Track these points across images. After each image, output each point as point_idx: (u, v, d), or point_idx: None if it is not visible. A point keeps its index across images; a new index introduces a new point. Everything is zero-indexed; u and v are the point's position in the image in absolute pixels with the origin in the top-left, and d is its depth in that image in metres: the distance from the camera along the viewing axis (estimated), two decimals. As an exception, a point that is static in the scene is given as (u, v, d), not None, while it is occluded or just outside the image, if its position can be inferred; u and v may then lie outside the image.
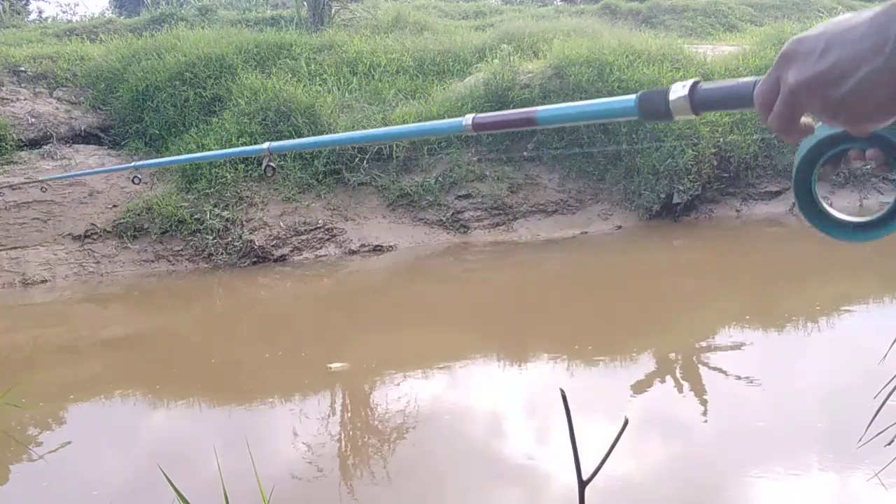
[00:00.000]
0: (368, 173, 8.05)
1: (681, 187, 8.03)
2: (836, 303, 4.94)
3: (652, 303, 5.54)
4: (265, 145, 1.65)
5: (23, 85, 8.69)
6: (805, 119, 0.56)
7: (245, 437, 3.22)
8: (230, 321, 5.85)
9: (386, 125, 8.25)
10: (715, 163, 8.29)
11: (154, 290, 6.72)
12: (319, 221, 7.63)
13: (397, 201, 7.98)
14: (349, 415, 3.73)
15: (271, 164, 1.69)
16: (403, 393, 3.85)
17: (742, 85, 0.63)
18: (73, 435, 3.70)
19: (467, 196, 8.15)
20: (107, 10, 20.00)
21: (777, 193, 8.56)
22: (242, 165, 7.81)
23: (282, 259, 7.30)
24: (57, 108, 8.57)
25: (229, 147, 7.87)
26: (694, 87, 0.67)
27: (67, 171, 7.71)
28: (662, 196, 8.04)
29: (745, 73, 9.10)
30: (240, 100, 8.34)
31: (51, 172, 7.65)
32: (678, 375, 3.94)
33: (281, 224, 7.51)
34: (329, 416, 3.71)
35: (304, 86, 8.63)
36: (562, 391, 0.89)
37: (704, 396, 3.62)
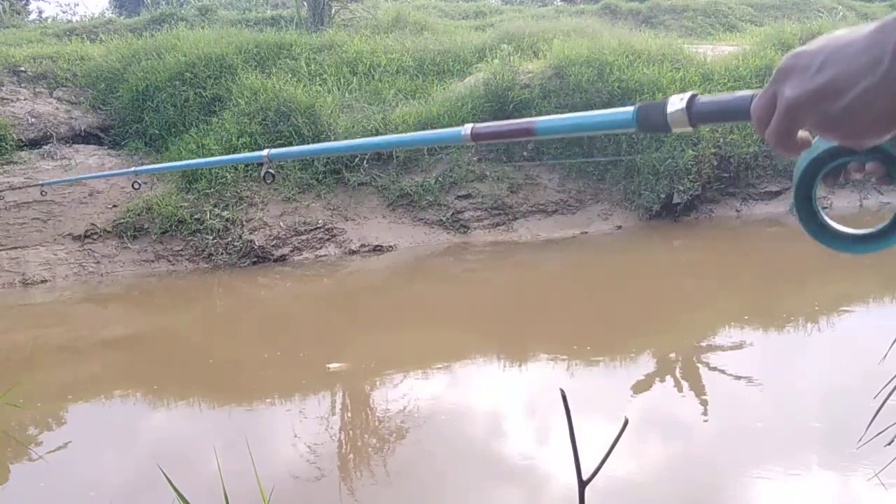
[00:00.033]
0: (368, 173, 8.05)
1: (681, 187, 8.03)
2: (836, 303, 4.94)
3: (652, 303, 5.54)
4: (264, 152, 1.64)
5: (23, 85, 8.69)
6: (802, 133, 0.56)
7: (245, 437, 3.22)
8: (230, 321, 5.85)
9: (386, 125, 8.25)
10: (715, 163, 8.29)
11: (154, 290, 6.72)
12: (319, 221, 7.63)
13: (397, 201, 7.98)
14: (349, 415, 3.73)
15: (270, 170, 1.68)
16: (403, 393, 3.85)
17: (739, 99, 0.63)
18: (73, 435, 3.70)
19: (467, 196, 8.15)
20: (107, 10, 20.01)
21: (777, 193, 8.56)
22: (242, 165, 7.81)
23: (282, 259, 7.30)
24: (57, 108, 8.57)
25: (229, 147, 7.88)
26: (692, 99, 0.68)
27: (67, 171, 7.72)
28: (662, 196, 8.04)
29: (745, 73, 9.10)
30: (240, 100, 8.34)
31: (51, 172, 7.65)
32: (678, 375, 3.94)
33: (281, 224, 7.51)
34: (329, 416, 3.71)
35: (304, 86, 8.63)
36: (562, 391, 0.89)
37: (704, 396, 3.62)
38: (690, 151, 8.01)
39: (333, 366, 4.23)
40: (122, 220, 7.36)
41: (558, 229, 7.96)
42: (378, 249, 7.52)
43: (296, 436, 3.37)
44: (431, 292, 6.38)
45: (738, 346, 4.35)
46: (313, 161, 7.94)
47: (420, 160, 8.23)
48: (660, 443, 3.12)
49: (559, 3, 17.96)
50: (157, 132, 8.42)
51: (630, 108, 0.75)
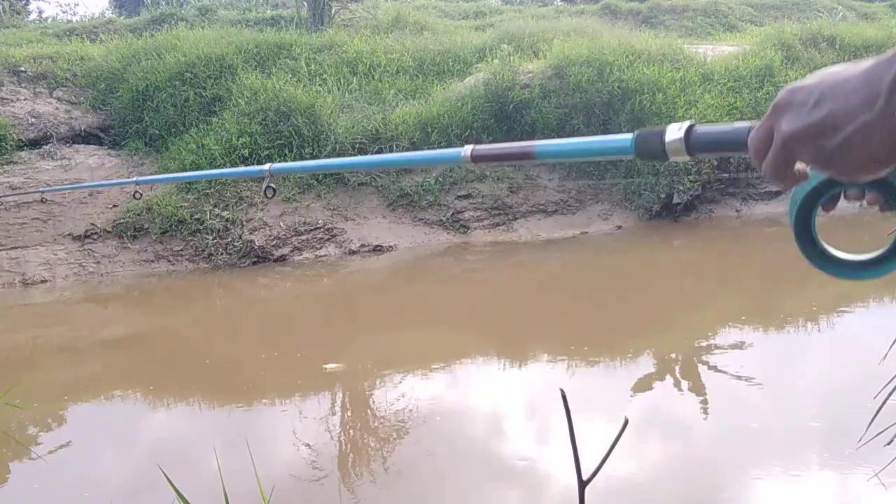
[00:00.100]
0: (368, 173, 8.05)
1: (681, 187, 8.03)
2: (836, 303, 4.94)
3: (652, 303, 5.54)
4: (266, 167, 1.63)
5: (23, 85, 8.69)
6: (799, 166, 0.56)
7: (245, 438, 3.22)
8: (230, 321, 5.85)
9: (386, 125, 8.25)
10: (715, 163, 8.29)
11: (154, 290, 6.72)
12: (319, 221, 7.63)
13: (397, 201, 7.98)
14: (349, 415, 3.73)
15: (272, 185, 1.67)
16: (403, 392, 3.85)
17: (737, 130, 0.64)
18: (73, 435, 3.70)
19: (467, 196, 8.15)
20: (107, 10, 20.01)
21: (777, 193, 8.56)
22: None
23: (282, 259, 7.30)
24: (57, 108, 8.57)
25: (229, 147, 7.88)
26: (690, 129, 0.68)
27: (67, 171, 7.72)
28: (662, 196, 8.05)
29: (745, 73, 9.11)
30: (240, 100, 8.33)
31: (51, 172, 7.66)
32: (678, 375, 3.94)
33: (281, 224, 7.51)
34: (329, 416, 3.71)
35: (304, 86, 8.62)
36: (562, 391, 0.89)
37: (704, 396, 3.62)
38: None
39: (330, 366, 4.23)
40: (122, 220, 7.35)
41: (558, 229, 7.96)
42: (378, 249, 7.52)
43: (296, 436, 3.37)
44: (431, 292, 6.38)
45: (738, 346, 4.35)
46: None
47: (420, 160, 8.23)
48: (660, 443, 3.12)
49: (559, 3, 17.96)
50: (157, 132, 8.41)
51: (628, 136, 0.76)
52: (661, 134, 0.70)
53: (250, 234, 7.34)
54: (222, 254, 7.23)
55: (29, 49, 9.49)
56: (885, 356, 1.93)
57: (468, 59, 9.86)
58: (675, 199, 8.06)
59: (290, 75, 8.95)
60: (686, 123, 0.69)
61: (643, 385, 3.77)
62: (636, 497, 2.68)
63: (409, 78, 9.40)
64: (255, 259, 7.25)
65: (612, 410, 3.46)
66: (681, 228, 7.98)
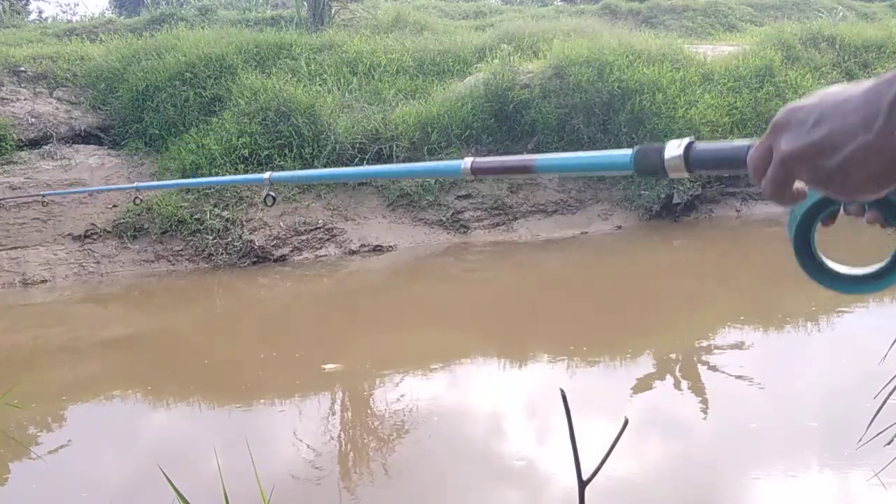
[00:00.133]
0: (368, 173, 8.05)
1: (681, 187, 8.03)
2: (836, 303, 4.94)
3: (652, 303, 5.54)
4: (266, 175, 1.63)
5: (23, 85, 8.69)
6: (798, 184, 0.57)
7: (245, 438, 3.22)
8: (230, 321, 5.85)
9: (386, 125, 8.25)
10: (715, 163, 8.29)
11: (154, 290, 6.72)
12: (319, 221, 7.64)
13: (397, 201, 7.98)
14: (349, 415, 3.73)
15: (272, 193, 1.67)
16: (404, 392, 3.85)
17: (736, 148, 0.64)
18: (73, 435, 3.70)
19: (467, 196, 8.15)
20: (107, 10, 20.01)
21: (777, 193, 8.55)
22: (242, 166, 7.81)
23: (282, 259, 7.30)
24: (57, 108, 8.57)
25: (229, 147, 7.88)
26: (689, 147, 0.68)
27: (67, 171, 7.72)
28: (662, 196, 8.05)
29: (745, 73, 9.11)
30: (240, 100, 8.33)
31: (51, 173, 7.66)
32: (678, 375, 3.94)
33: (281, 224, 7.51)
34: (329, 416, 3.71)
35: (304, 86, 8.62)
36: (562, 391, 0.89)
37: (704, 396, 3.62)
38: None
39: (329, 366, 4.23)
40: (122, 220, 7.35)
41: (558, 229, 7.96)
42: (378, 249, 7.52)
43: (296, 436, 3.37)
44: (431, 292, 6.38)
45: (738, 346, 4.35)
46: (313, 161, 7.94)
47: (420, 160, 8.23)
48: (660, 443, 3.12)
49: (559, 3, 17.96)
50: (157, 132, 8.41)
51: (628, 151, 0.76)
52: (661, 151, 0.70)
53: (250, 234, 7.34)
54: (222, 254, 7.23)
55: (29, 49, 9.49)
56: (885, 356, 1.93)
57: (468, 59, 9.86)
58: (675, 199, 8.06)
59: (290, 75, 8.95)
60: (685, 140, 0.69)
61: (643, 385, 3.77)
62: (636, 497, 2.68)
63: (409, 78, 9.40)
64: (255, 259, 7.25)
65: (612, 410, 3.46)
66: (681, 228, 7.98)
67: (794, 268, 0.68)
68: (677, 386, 3.81)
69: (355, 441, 3.38)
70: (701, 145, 0.68)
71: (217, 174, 7.70)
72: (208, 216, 7.36)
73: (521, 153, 8.59)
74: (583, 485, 0.85)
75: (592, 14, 13.40)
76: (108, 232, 7.32)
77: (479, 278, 6.72)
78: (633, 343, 4.49)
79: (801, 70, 9.43)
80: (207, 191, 7.59)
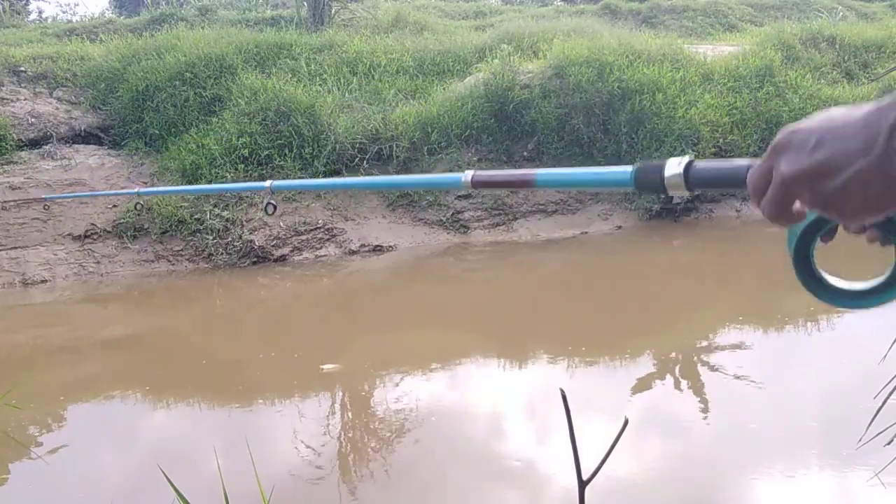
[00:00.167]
0: (368, 173, 8.05)
1: (681, 187, 8.02)
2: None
3: (652, 303, 5.54)
4: (267, 183, 1.63)
5: (23, 85, 8.69)
6: (797, 206, 0.57)
7: (245, 438, 3.22)
8: (230, 321, 5.85)
9: (386, 125, 8.25)
10: (715, 163, 8.29)
11: (154, 290, 6.72)
12: (319, 221, 7.63)
13: (397, 201, 7.98)
14: (349, 415, 3.73)
15: (272, 202, 1.67)
16: (404, 392, 3.85)
17: (736, 168, 0.64)
18: (73, 435, 3.70)
19: (467, 196, 8.15)
20: (107, 10, 20.00)
21: (777, 193, 8.55)
22: (242, 166, 7.81)
23: (282, 259, 7.30)
24: (57, 108, 8.57)
25: (229, 147, 7.88)
26: (689, 165, 0.69)
27: (67, 171, 7.72)
28: (662, 196, 8.04)
29: (745, 73, 9.10)
30: (240, 100, 8.33)
31: (51, 173, 7.65)
32: (678, 375, 3.94)
33: (281, 224, 7.51)
34: (329, 416, 3.71)
35: (304, 86, 8.62)
36: (562, 391, 0.89)
37: (704, 396, 3.62)
38: (690, 151, 8.01)
39: (327, 367, 4.23)
40: (122, 220, 7.35)
41: (558, 229, 7.96)
42: (378, 249, 7.52)
43: (295, 436, 3.37)
44: (431, 292, 6.39)
45: (738, 346, 4.35)
46: (313, 161, 7.94)
47: (420, 160, 8.23)
48: (660, 443, 3.12)
49: (559, 3, 17.96)
50: (157, 132, 8.41)
51: (629, 168, 0.76)
52: (661, 169, 0.70)
53: (250, 234, 7.34)
54: (222, 254, 7.23)
55: (29, 49, 9.49)
56: (885, 356, 1.93)
57: (468, 59, 9.86)
58: (675, 199, 8.06)
59: (290, 75, 8.95)
60: (686, 159, 0.69)
61: (643, 385, 3.77)
62: (636, 497, 2.68)
63: (409, 78, 9.39)
64: (255, 259, 7.25)
65: (612, 410, 3.46)
66: (681, 228, 7.98)
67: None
68: (677, 386, 3.81)
69: (355, 441, 3.38)
70: (701, 164, 0.68)
71: (217, 174, 7.70)
72: (208, 216, 7.36)
73: (521, 153, 8.60)
74: (583, 485, 0.85)
75: (592, 14, 13.40)
76: (108, 232, 7.32)
77: (479, 278, 6.72)
78: (633, 343, 4.49)
79: (801, 70, 9.43)
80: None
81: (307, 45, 9.84)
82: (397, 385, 4.01)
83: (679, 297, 5.68)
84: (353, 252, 7.46)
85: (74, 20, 15.97)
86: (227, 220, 7.40)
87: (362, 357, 4.52)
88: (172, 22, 11.93)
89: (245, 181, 7.78)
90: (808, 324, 4.56)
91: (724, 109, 8.60)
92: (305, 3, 12.19)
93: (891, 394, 1.78)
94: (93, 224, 7.32)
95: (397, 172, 8.10)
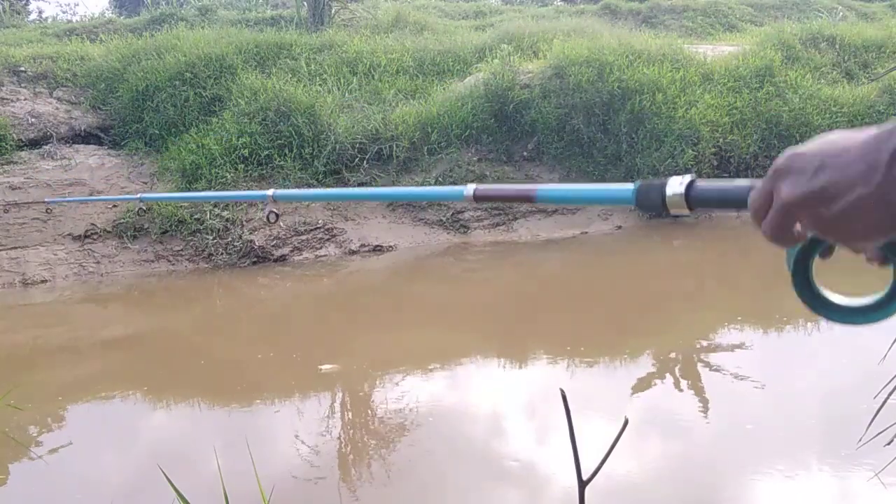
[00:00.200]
0: (368, 173, 8.05)
1: (681, 187, 8.02)
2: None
3: (652, 303, 5.54)
4: (269, 192, 1.64)
5: (23, 85, 8.69)
6: (798, 227, 0.57)
7: (245, 438, 3.22)
8: (230, 321, 5.85)
9: (386, 125, 8.25)
10: (715, 163, 8.29)
11: (154, 290, 6.72)
12: (319, 221, 7.63)
13: (397, 201, 7.98)
14: (350, 415, 3.73)
15: (274, 210, 1.67)
16: (404, 392, 3.85)
17: (738, 189, 0.64)
18: (73, 435, 3.70)
19: (467, 196, 8.14)
20: (107, 10, 20.00)
21: (777, 193, 8.55)
22: (242, 166, 7.82)
23: (282, 259, 7.30)
24: (57, 108, 8.57)
25: (229, 147, 7.88)
26: (690, 185, 0.69)
27: (67, 171, 7.71)
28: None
29: (745, 73, 9.10)
30: (240, 100, 8.33)
31: (51, 173, 7.65)
32: (678, 375, 3.94)
33: (281, 224, 7.51)
34: (330, 416, 3.71)
35: (304, 86, 8.62)
36: (562, 391, 0.89)
37: (704, 396, 3.62)
38: (690, 151, 8.02)
39: (325, 367, 4.23)
40: (122, 220, 7.35)
41: (558, 229, 7.96)
42: (378, 249, 7.52)
43: (296, 436, 3.37)
44: (431, 292, 6.39)
45: (738, 346, 4.35)
46: (313, 161, 7.94)
47: (420, 160, 8.23)
48: (660, 443, 3.12)
49: (559, 3, 17.96)
50: (157, 132, 8.41)
51: (630, 186, 0.76)
52: (662, 187, 0.71)
53: (250, 234, 7.34)
54: (222, 254, 7.23)
55: (29, 49, 9.48)
56: (885, 356, 1.93)
57: (468, 59, 9.86)
58: (675, 199, 8.05)
59: (290, 75, 8.95)
60: (687, 178, 0.69)
61: (643, 385, 3.77)
62: (636, 497, 2.68)
63: (409, 78, 9.39)
64: (255, 259, 7.25)
65: (612, 410, 3.46)
66: (681, 228, 7.98)
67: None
68: (677, 386, 3.81)
69: (355, 441, 3.38)
70: (702, 184, 0.69)
71: (217, 174, 7.70)
72: (208, 216, 7.36)
73: (521, 153, 8.60)
74: (583, 485, 0.85)
75: (592, 14, 13.40)
76: (108, 232, 7.32)
77: (479, 278, 6.72)
78: (633, 343, 4.49)
79: (801, 70, 9.43)
80: (208, 191, 7.59)
81: (307, 45, 9.84)
82: (398, 385, 4.01)
83: (679, 297, 5.68)
84: (353, 252, 7.46)
85: (74, 20, 15.97)
86: (227, 220, 7.40)
87: (363, 357, 4.52)
88: (172, 22, 11.93)
89: (245, 181, 7.79)
90: (808, 324, 4.55)
91: (724, 109, 8.60)
92: (305, 3, 12.19)
93: (891, 394, 1.78)
94: (93, 224, 7.32)
95: (397, 172, 8.11)
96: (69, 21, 15.72)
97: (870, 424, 1.81)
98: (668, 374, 3.98)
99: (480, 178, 8.22)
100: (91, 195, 7.54)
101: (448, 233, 7.86)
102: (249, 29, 10.99)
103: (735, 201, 0.65)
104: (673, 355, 4.25)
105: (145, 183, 7.84)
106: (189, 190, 7.65)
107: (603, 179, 8.44)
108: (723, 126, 8.43)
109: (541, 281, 6.51)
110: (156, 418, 3.81)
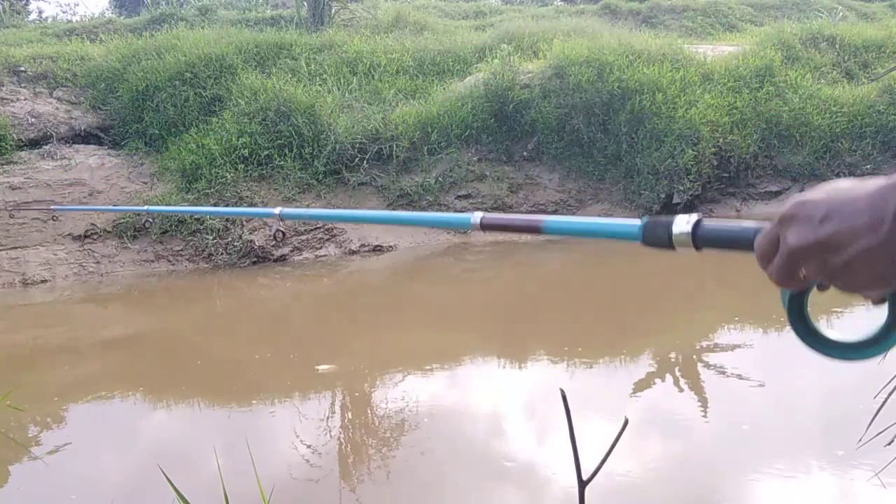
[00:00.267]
0: (368, 173, 8.05)
1: (681, 187, 8.03)
2: (836, 302, 4.95)
3: (652, 303, 5.54)
4: (276, 210, 1.64)
5: (23, 85, 8.69)
6: (804, 272, 0.57)
7: (245, 438, 3.22)
8: (230, 321, 5.85)
9: (386, 125, 8.25)
10: (715, 163, 8.29)
11: (154, 290, 6.72)
12: (319, 221, 7.63)
13: (397, 201, 7.98)
14: (350, 415, 3.73)
15: (281, 229, 1.68)
16: (404, 392, 3.85)
17: (744, 231, 0.65)
18: (73, 435, 3.70)
19: (467, 196, 8.15)
20: (107, 10, 20.00)
21: (777, 193, 8.56)
22: (242, 166, 7.82)
23: (282, 259, 7.30)
24: (57, 108, 8.57)
25: (229, 147, 7.88)
26: (697, 224, 0.70)
27: (67, 171, 7.71)
28: (662, 196, 8.04)
29: (745, 73, 9.10)
30: (240, 100, 8.33)
31: (51, 173, 7.65)
32: (678, 375, 3.94)
33: (281, 224, 7.50)
34: (330, 416, 3.71)
35: (304, 86, 8.62)
36: (562, 391, 0.89)
37: (704, 396, 3.62)
38: (690, 151, 8.01)
39: (322, 367, 4.23)
40: (122, 220, 7.35)
41: (558, 229, 7.95)
42: (378, 249, 7.52)
43: (295, 436, 3.37)
44: (431, 292, 6.39)
45: (738, 346, 4.35)
46: (313, 161, 7.94)
47: (420, 160, 8.23)
48: (660, 443, 3.12)
49: (559, 3, 17.96)
50: (157, 132, 8.41)
51: (637, 222, 0.77)
52: (669, 225, 0.71)
53: (250, 233, 7.34)
54: (222, 254, 7.23)
55: (29, 49, 9.48)
56: (885, 356, 1.93)
57: (468, 59, 9.86)
58: (675, 199, 8.06)
59: (290, 75, 8.95)
60: (694, 217, 0.70)
61: (643, 385, 3.77)
62: (636, 497, 2.68)
63: (409, 78, 9.39)
64: (255, 259, 7.25)
65: (612, 410, 3.46)
66: (681, 228, 7.97)
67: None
68: (677, 386, 3.81)
69: (355, 441, 3.38)
70: (709, 224, 0.69)
71: (217, 174, 7.70)
72: (208, 216, 7.36)
73: (521, 153, 8.60)
74: (583, 485, 0.85)
75: (592, 14, 13.39)
76: (108, 232, 7.32)
77: (479, 278, 6.72)
78: (633, 343, 4.49)
79: (801, 70, 9.43)
80: (207, 191, 7.59)
81: (307, 45, 9.84)
82: (397, 385, 4.01)
83: (679, 298, 5.68)
84: (353, 252, 7.46)
85: (74, 20, 15.97)
86: (227, 219, 7.40)
87: (362, 357, 4.52)
88: (172, 22, 11.93)
89: (245, 181, 7.78)
90: (808, 324, 4.55)
91: (724, 109, 8.60)
92: (305, 3, 12.19)
93: (891, 394, 1.78)
94: (93, 224, 7.32)
95: (397, 172, 8.10)
96: (69, 21, 15.72)
97: (870, 424, 1.81)
98: (667, 374, 3.98)
99: (480, 179, 8.23)
100: (91, 195, 7.54)
101: (448, 232, 7.86)
102: (249, 29, 10.99)
103: (741, 243, 0.65)
104: (673, 355, 4.25)
105: (145, 183, 7.84)
106: (189, 189, 7.65)
107: (603, 179, 8.45)
108: (723, 126, 8.43)
109: (541, 281, 6.51)
110: (156, 418, 3.81)
